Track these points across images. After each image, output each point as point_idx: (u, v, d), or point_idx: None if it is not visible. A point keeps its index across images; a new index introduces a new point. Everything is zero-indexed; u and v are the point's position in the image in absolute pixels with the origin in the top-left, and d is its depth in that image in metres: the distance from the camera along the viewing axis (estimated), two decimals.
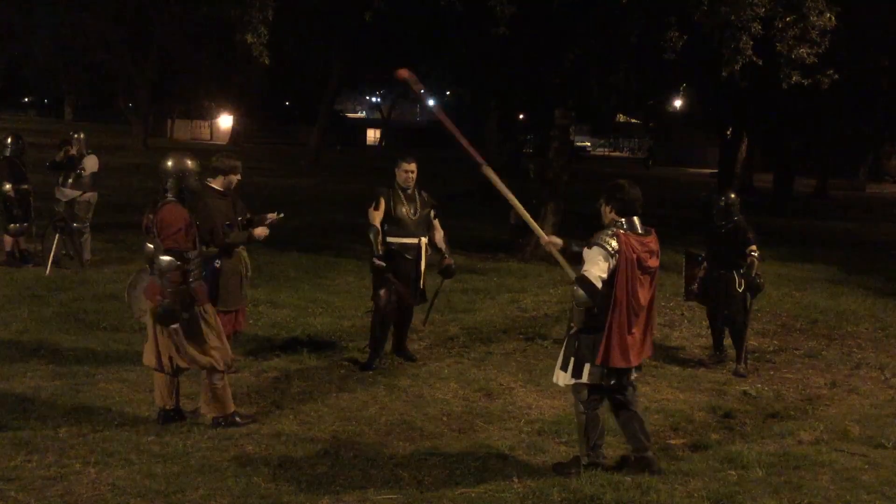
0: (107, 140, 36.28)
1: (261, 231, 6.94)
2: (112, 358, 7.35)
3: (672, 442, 6.13)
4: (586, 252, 5.21)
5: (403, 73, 5.93)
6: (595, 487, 5.12)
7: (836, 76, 12.22)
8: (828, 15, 11.31)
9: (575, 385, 5.37)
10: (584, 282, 5.11)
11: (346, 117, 71.00)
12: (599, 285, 5.10)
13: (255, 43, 12.08)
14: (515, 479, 5.27)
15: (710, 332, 8.69)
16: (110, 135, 41.60)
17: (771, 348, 9.10)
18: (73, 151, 11.24)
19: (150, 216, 5.81)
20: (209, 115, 58.04)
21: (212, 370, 5.82)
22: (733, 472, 5.54)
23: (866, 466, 5.78)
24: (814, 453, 5.96)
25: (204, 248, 6.70)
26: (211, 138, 58.16)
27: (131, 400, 6.36)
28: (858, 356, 8.93)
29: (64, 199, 11.17)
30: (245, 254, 7.37)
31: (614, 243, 5.12)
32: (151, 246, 5.81)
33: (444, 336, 8.88)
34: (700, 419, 6.69)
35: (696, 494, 5.17)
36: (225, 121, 56.52)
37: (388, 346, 7.93)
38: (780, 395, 7.48)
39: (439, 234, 7.85)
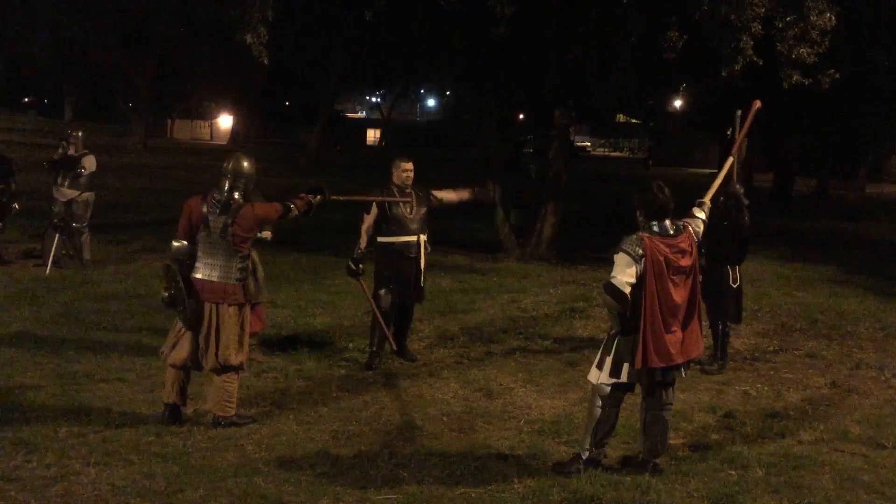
0: (107, 140, 36.28)
1: (266, 233, 7.43)
2: (112, 358, 7.36)
3: (672, 442, 6.12)
4: (615, 257, 5.25)
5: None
6: (595, 487, 5.12)
7: (837, 76, 12.21)
8: (828, 15, 11.30)
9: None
10: (611, 288, 5.17)
11: (346, 117, 71.00)
12: (627, 290, 5.14)
13: (255, 43, 12.08)
14: (515, 479, 5.27)
15: (709, 331, 8.68)
16: (110, 135, 41.60)
17: (771, 348, 9.09)
18: (71, 151, 11.22)
19: (216, 216, 5.84)
20: (209, 115, 58.05)
21: (236, 369, 5.87)
22: (733, 472, 5.54)
23: (866, 466, 5.78)
24: (814, 453, 5.96)
25: None
26: (211, 138, 58.16)
27: (131, 400, 6.36)
28: (858, 356, 8.92)
29: (62, 199, 11.17)
30: (253, 254, 7.45)
31: (639, 249, 5.16)
32: (183, 243, 5.92)
33: (444, 336, 8.88)
34: (700, 419, 6.68)
35: (696, 494, 5.17)
36: (225, 121, 56.54)
37: (388, 346, 7.92)
38: (780, 395, 7.48)
39: (450, 194, 7.99)
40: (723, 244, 8.14)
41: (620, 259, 5.19)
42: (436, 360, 7.98)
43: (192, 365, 5.91)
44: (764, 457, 5.80)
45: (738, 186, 8.25)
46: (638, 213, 5.39)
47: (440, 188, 8.06)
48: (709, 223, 8.23)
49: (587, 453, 5.41)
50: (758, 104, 6.43)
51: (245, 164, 6.01)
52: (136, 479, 5.01)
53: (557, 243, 14.66)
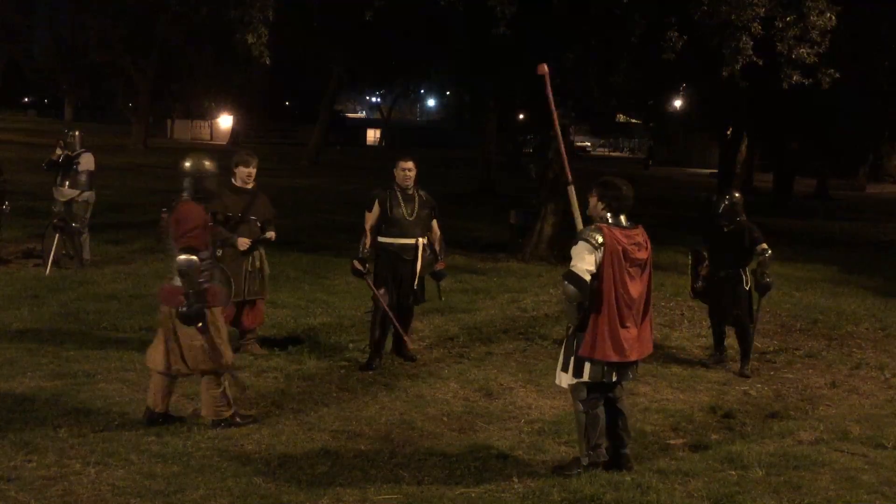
0: (107, 140, 36.27)
1: (243, 242, 7.48)
2: (112, 358, 7.35)
3: (672, 442, 6.13)
4: (573, 249, 5.24)
5: (543, 69, 5.85)
6: (595, 487, 5.12)
7: (837, 76, 12.22)
8: (828, 15, 11.31)
9: (575, 384, 5.38)
10: (572, 276, 5.17)
11: (346, 117, 71.01)
12: (588, 279, 5.14)
13: (255, 43, 12.08)
14: (515, 479, 5.28)
15: (710, 332, 8.68)
16: (110, 135, 41.61)
17: (771, 348, 9.10)
18: (68, 151, 11.21)
19: (166, 216, 5.82)
20: (209, 115, 58.07)
21: (214, 374, 5.82)
22: (733, 472, 5.54)
23: (866, 466, 5.78)
24: (814, 453, 5.96)
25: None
26: (211, 138, 58.17)
27: (131, 400, 6.35)
28: (858, 356, 8.93)
29: (62, 199, 11.17)
30: (261, 251, 7.68)
31: (598, 237, 5.17)
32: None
33: (444, 336, 8.88)
34: (700, 419, 6.69)
35: (696, 494, 5.17)
36: (225, 121, 56.54)
37: (389, 345, 7.92)
38: (780, 395, 7.49)
39: (436, 236, 7.86)
40: (732, 250, 8.12)
41: (580, 247, 5.19)
42: (436, 360, 7.98)
43: (165, 370, 5.77)
44: (764, 457, 5.80)
45: (737, 196, 8.29)
46: (600, 204, 5.34)
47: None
48: (714, 228, 8.29)
49: (586, 459, 5.41)
50: (543, 69, 5.91)
51: (205, 162, 5.87)
52: (136, 479, 5.01)
53: (557, 243, 14.66)
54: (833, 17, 11.36)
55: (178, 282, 5.68)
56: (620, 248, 5.19)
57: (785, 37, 11.41)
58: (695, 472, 5.50)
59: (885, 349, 9.32)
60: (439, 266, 7.86)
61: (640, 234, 5.36)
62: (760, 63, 11.73)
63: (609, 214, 5.31)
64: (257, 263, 7.64)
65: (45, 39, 42.18)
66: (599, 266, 5.16)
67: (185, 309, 5.59)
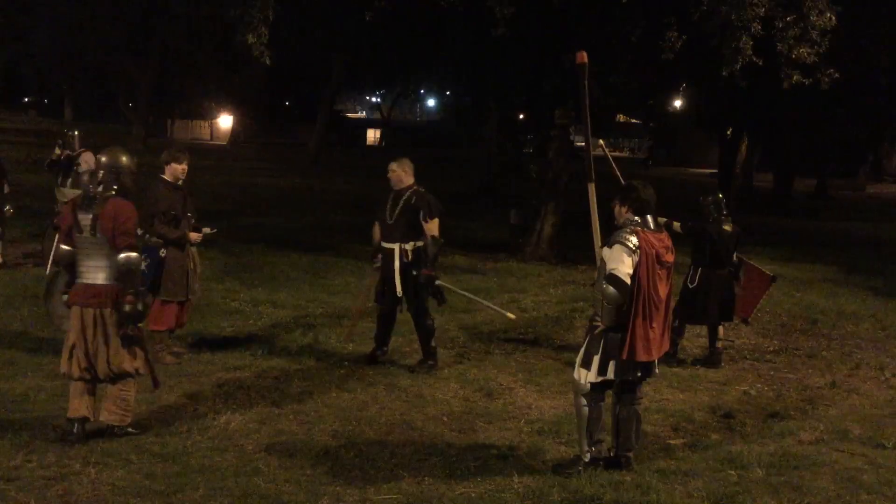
0: (107, 140, 36.23)
1: (195, 236, 7.51)
2: None
3: (672, 442, 6.13)
4: (607, 251, 5.27)
5: (582, 57, 5.71)
6: (595, 487, 5.13)
7: (837, 76, 12.22)
8: (828, 15, 11.30)
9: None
10: (616, 280, 5.17)
11: (346, 117, 70.95)
12: (629, 282, 5.17)
13: (256, 43, 12.07)
14: (515, 479, 5.28)
15: (705, 331, 8.69)
16: (110, 135, 41.54)
17: (771, 348, 9.10)
18: (68, 151, 11.22)
19: (84, 214, 5.50)
20: (209, 115, 57.99)
21: (131, 375, 5.63)
22: (733, 472, 5.55)
23: (866, 466, 5.79)
24: (814, 453, 5.97)
25: (147, 238, 7.11)
26: (211, 138, 58.15)
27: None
28: (858, 356, 8.93)
29: (64, 200, 11.15)
30: (194, 250, 7.63)
31: (634, 240, 5.21)
32: (67, 248, 5.60)
33: (445, 336, 8.87)
34: (700, 419, 6.69)
35: (696, 494, 5.18)
36: (225, 121, 56.51)
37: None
38: (780, 395, 7.49)
39: (427, 239, 7.42)
40: (725, 249, 8.23)
41: (618, 251, 5.21)
42: None
43: (81, 375, 5.56)
44: (764, 457, 5.81)
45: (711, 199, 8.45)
46: (624, 209, 5.41)
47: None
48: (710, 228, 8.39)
49: (588, 454, 5.41)
50: (582, 57, 5.72)
51: (122, 158, 5.65)
52: (136, 479, 5.01)
53: (557, 243, 14.66)
54: (833, 17, 11.36)
55: (101, 280, 5.50)
56: (654, 251, 5.24)
57: (785, 37, 11.41)
58: (695, 472, 5.51)
59: (885, 349, 9.33)
60: (423, 272, 7.37)
61: (667, 238, 5.43)
62: (760, 63, 11.73)
63: (636, 217, 5.35)
64: (194, 261, 7.59)
65: (45, 39, 42.08)
66: (635, 269, 5.20)
67: (137, 308, 5.46)
